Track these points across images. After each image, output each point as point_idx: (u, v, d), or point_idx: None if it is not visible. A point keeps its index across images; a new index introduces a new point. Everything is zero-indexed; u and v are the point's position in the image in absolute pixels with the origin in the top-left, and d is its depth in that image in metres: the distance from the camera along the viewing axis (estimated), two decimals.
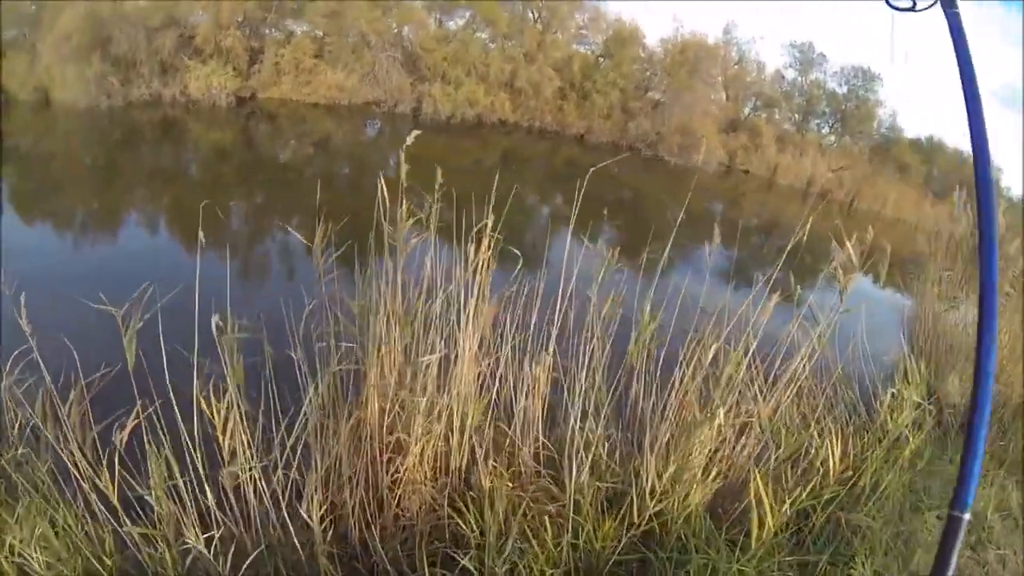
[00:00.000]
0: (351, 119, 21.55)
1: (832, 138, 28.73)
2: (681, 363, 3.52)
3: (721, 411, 3.02)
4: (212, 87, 19.88)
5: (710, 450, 3.28)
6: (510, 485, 3.20)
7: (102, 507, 2.80)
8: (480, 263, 3.19)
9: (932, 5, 1.45)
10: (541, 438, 3.50)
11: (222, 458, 2.78)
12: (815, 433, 3.65)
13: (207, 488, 2.82)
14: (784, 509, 3.00)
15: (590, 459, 3.22)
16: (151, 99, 19.32)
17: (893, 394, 3.82)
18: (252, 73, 21.01)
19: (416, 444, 3.14)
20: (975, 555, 3.89)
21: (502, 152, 21.39)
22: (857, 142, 28.19)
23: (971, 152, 1.41)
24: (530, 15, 24.36)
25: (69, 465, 2.77)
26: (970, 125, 1.41)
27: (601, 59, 24.69)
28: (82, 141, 16.35)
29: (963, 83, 1.43)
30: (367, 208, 3.04)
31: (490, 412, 3.43)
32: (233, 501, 2.92)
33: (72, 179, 12.61)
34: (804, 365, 3.58)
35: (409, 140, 2.96)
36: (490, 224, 3.13)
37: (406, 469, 3.17)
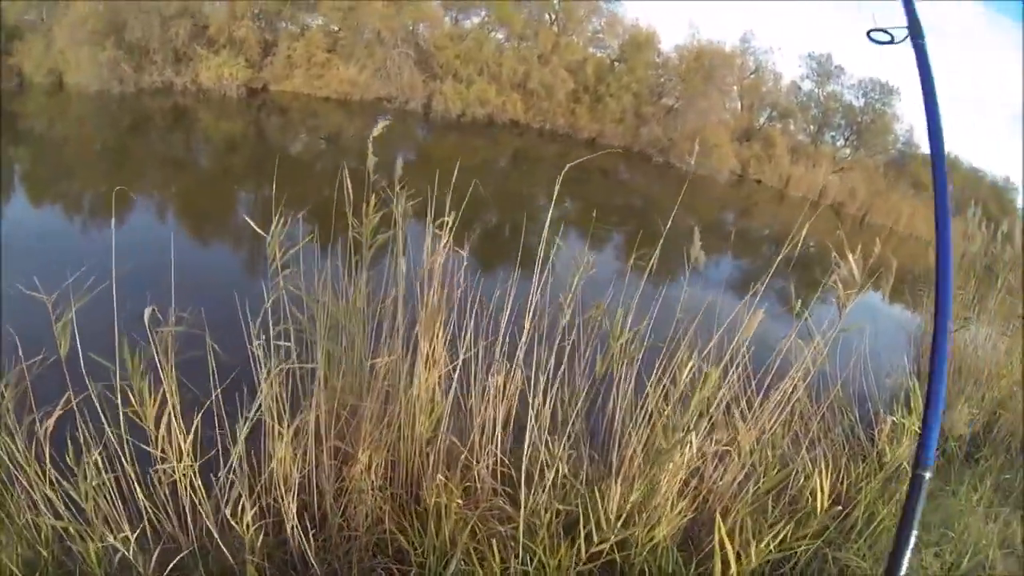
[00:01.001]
0: (362, 114, 21.39)
1: (847, 151, 28.44)
2: (652, 380, 3.23)
3: (693, 436, 2.73)
4: (223, 77, 19.83)
5: (682, 477, 2.99)
6: (460, 502, 2.96)
7: (40, 498, 2.70)
8: (434, 263, 2.98)
9: (905, 39, 1.71)
10: (498, 453, 3.24)
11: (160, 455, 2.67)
12: (807, 460, 3.38)
13: (135, 485, 2.73)
14: (765, 544, 2.73)
15: (550, 479, 2.94)
16: (162, 86, 19.33)
17: (893, 422, 3.52)
18: (264, 65, 20.95)
19: (364, 452, 2.95)
20: None
21: (512, 153, 21.22)
22: (872, 156, 27.91)
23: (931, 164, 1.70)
24: (546, 17, 24.15)
25: (3, 455, 2.69)
26: (930, 141, 1.69)
27: (616, 63, 24.46)
28: (93, 126, 16.45)
29: (926, 104, 1.71)
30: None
31: (445, 422, 3.17)
32: (169, 500, 2.82)
33: (78, 163, 12.52)
34: (797, 385, 3.30)
35: (376, 130, 2.88)
36: (451, 220, 2.94)
37: (352, 478, 3.00)
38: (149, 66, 19.11)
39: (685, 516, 2.97)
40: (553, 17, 24.28)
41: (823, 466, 3.17)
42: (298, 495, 2.86)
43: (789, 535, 2.91)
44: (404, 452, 3.12)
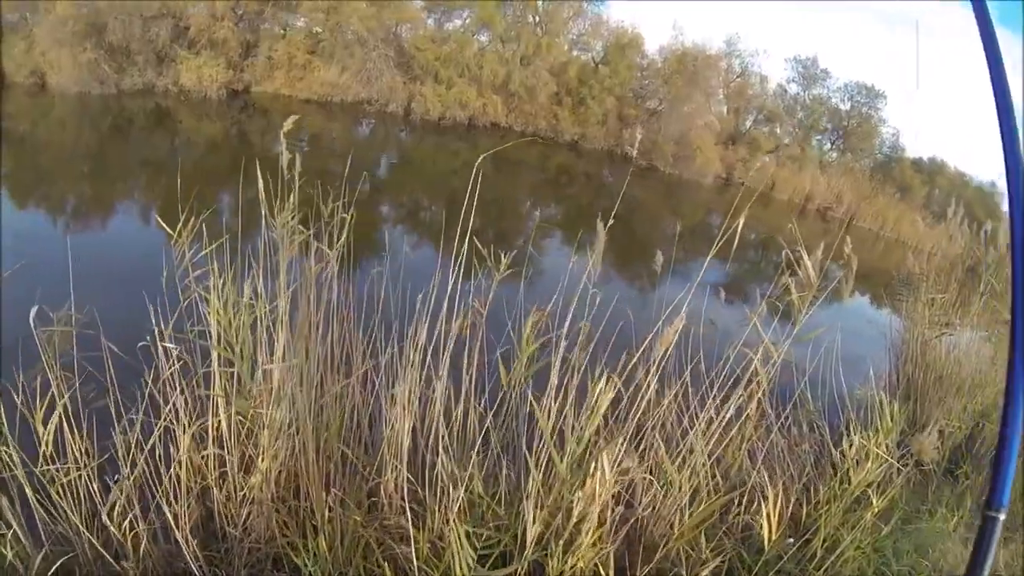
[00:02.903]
0: (343, 116, 21.18)
1: (834, 154, 28.29)
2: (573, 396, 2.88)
3: (605, 456, 2.37)
4: (204, 79, 19.53)
5: (605, 502, 2.63)
6: (357, 519, 2.78)
7: None
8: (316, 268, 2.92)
9: None
10: (402, 468, 2.96)
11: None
12: (766, 482, 3.02)
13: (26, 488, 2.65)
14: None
15: (458, 497, 2.63)
16: (144, 88, 19.01)
17: (861, 440, 3.16)
18: (245, 66, 20.74)
19: (262, 461, 2.84)
20: None
21: (492, 155, 20.89)
22: (859, 159, 27.78)
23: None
24: (530, 19, 23.86)
25: None
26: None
27: (600, 66, 24.19)
28: (72, 127, 16.25)
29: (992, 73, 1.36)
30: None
31: (348, 433, 3.07)
32: (58, 503, 2.70)
33: (51, 165, 12.14)
34: (751, 399, 2.96)
35: (288, 124, 2.90)
36: (345, 221, 2.94)
37: (250, 488, 2.88)
38: (130, 67, 18.80)
39: (606, 546, 2.64)
40: (537, 19, 23.97)
41: (781, 487, 2.83)
42: (203, 503, 2.86)
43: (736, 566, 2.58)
44: (301, 463, 2.91)
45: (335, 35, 21.14)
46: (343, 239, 3.11)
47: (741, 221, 2.87)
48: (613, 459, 2.42)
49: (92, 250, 7.13)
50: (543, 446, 2.67)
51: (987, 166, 28.50)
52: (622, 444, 2.61)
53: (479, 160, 2.73)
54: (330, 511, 2.79)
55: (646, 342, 2.70)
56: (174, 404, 2.82)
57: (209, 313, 2.89)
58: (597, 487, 2.41)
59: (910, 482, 4.38)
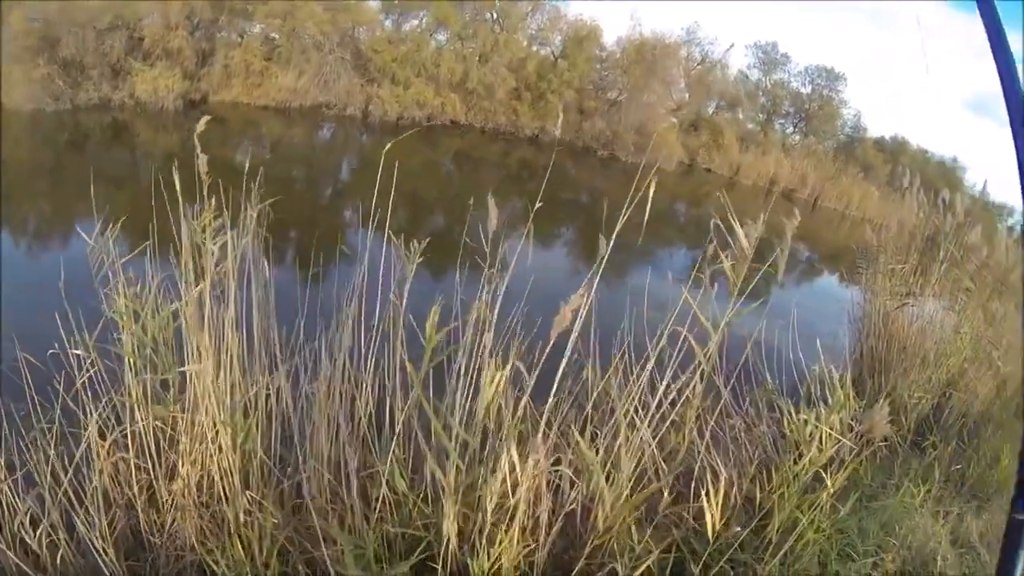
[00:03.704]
0: (302, 122, 20.90)
1: (797, 137, 28.43)
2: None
3: (513, 447, 2.18)
4: (159, 90, 18.89)
5: (524, 493, 2.45)
6: (273, 521, 2.67)
7: None
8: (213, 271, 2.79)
9: None
10: (322, 468, 2.86)
11: None
12: (719, 465, 2.85)
13: None
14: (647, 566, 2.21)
15: (378, 495, 2.56)
16: (100, 102, 18.37)
17: (806, 418, 2.99)
18: (202, 76, 20.21)
19: (182, 466, 2.81)
20: None
21: (454, 153, 20.76)
22: (822, 141, 27.97)
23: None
24: (488, 16, 23.66)
25: None
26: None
27: (559, 60, 24.04)
28: (25, 145, 15.52)
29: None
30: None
31: (270, 433, 2.96)
32: None
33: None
34: (696, 378, 2.77)
35: (200, 126, 2.85)
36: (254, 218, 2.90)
37: (172, 494, 2.83)
38: (85, 82, 18.12)
39: (534, 542, 2.49)
40: (494, 16, 23.81)
41: (736, 471, 2.66)
42: (128, 512, 2.80)
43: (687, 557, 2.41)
44: (217, 466, 2.80)
45: (291, 40, 20.82)
46: (256, 238, 3.05)
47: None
48: (528, 450, 2.24)
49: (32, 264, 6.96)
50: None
51: (948, 143, 28.88)
52: (546, 433, 2.43)
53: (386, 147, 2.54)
54: (248, 514, 2.69)
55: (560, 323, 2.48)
56: (91, 412, 2.75)
57: (122, 322, 2.86)
58: (513, 479, 2.23)
59: (876, 456, 4.23)
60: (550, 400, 2.73)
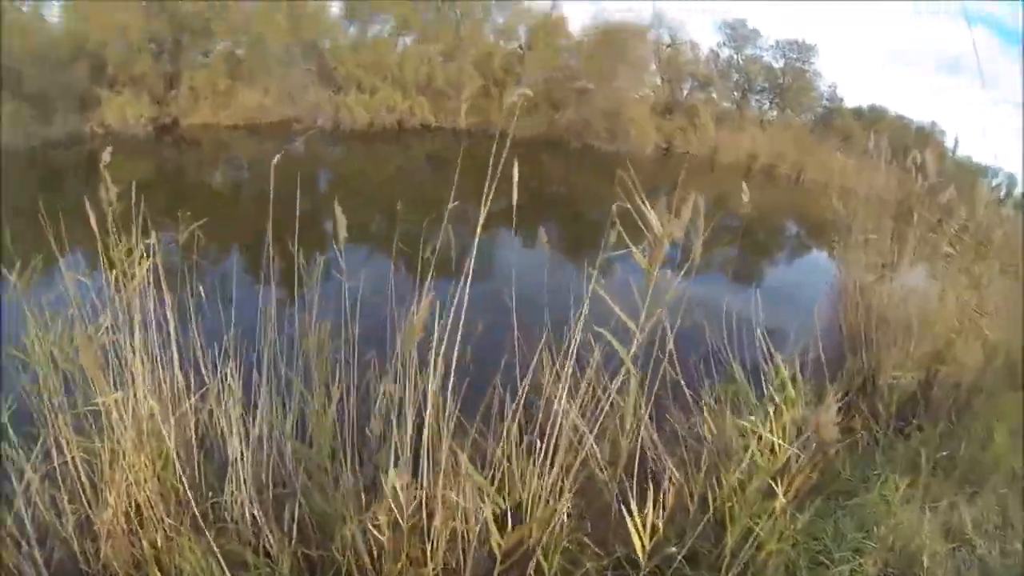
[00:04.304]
0: (272, 138, 20.55)
1: (773, 113, 28.16)
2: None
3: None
4: (128, 117, 18.77)
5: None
6: (190, 547, 2.53)
7: None
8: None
9: None
10: (245, 482, 2.75)
11: None
12: (670, 467, 2.49)
13: None
14: None
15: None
16: (71, 136, 17.91)
17: (749, 424, 2.63)
18: (170, 99, 20.08)
19: (110, 493, 2.72)
20: None
21: (425, 156, 20.44)
22: (798, 115, 27.73)
23: None
24: (451, 16, 23.38)
25: None
26: None
27: (526, 53, 23.75)
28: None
29: None
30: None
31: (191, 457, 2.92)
32: None
33: None
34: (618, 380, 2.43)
35: (105, 157, 2.93)
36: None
37: (103, 523, 2.73)
38: (54, 115, 17.58)
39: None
40: (457, 15, 23.50)
41: (684, 476, 2.31)
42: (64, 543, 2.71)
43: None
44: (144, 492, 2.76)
45: (254, 55, 20.69)
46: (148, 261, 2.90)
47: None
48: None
49: None
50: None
51: (925, 109, 28.83)
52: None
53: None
54: (168, 539, 2.68)
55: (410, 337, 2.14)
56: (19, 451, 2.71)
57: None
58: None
59: (858, 446, 3.88)
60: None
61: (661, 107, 25.42)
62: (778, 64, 28.09)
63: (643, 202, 2.15)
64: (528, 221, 3.29)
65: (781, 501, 2.39)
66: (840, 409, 2.84)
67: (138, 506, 2.79)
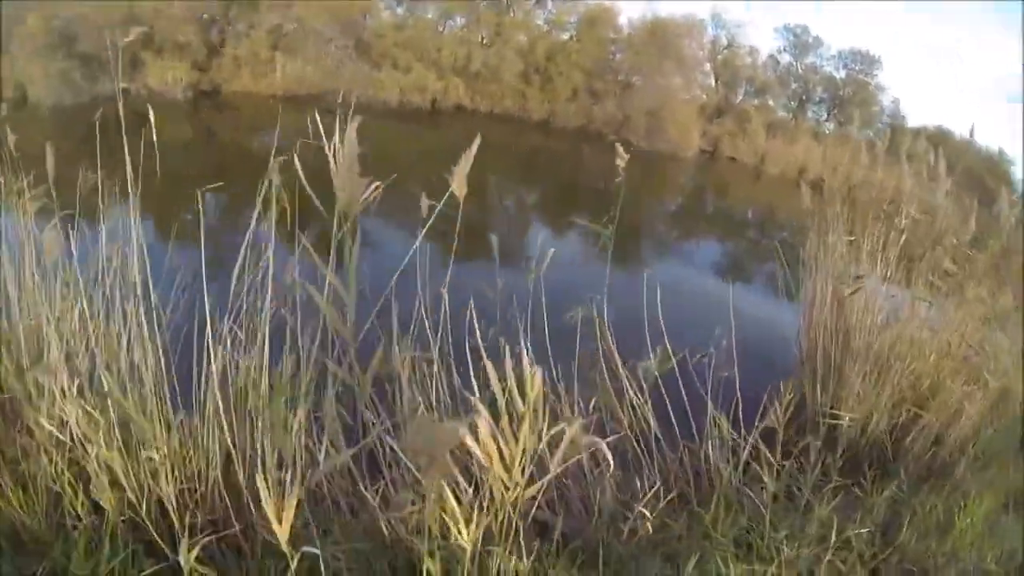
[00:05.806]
0: (310, 110, 20.40)
1: (830, 125, 26.96)
2: None
3: None
4: (170, 81, 19.39)
5: None
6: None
7: None
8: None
9: None
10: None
11: None
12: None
13: None
14: None
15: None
16: (115, 94, 18.31)
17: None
18: (212, 66, 20.62)
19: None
20: None
21: (459, 140, 19.97)
22: (858, 129, 26.47)
23: None
24: (501, 3, 23.14)
25: None
26: None
27: (572, 41, 23.09)
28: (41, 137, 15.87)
29: None
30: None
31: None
32: None
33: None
34: None
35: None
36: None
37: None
38: (102, 75, 17.95)
39: None
40: (506, 3, 23.22)
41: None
42: None
43: None
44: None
45: (296, 29, 20.94)
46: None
47: None
48: None
49: None
50: None
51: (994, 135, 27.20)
52: None
53: None
54: None
55: None
56: None
57: None
58: None
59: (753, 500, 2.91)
60: None
61: (711, 110, 24.43)
62: (839, 75, 27.00)
63: None
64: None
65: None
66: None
67: None
